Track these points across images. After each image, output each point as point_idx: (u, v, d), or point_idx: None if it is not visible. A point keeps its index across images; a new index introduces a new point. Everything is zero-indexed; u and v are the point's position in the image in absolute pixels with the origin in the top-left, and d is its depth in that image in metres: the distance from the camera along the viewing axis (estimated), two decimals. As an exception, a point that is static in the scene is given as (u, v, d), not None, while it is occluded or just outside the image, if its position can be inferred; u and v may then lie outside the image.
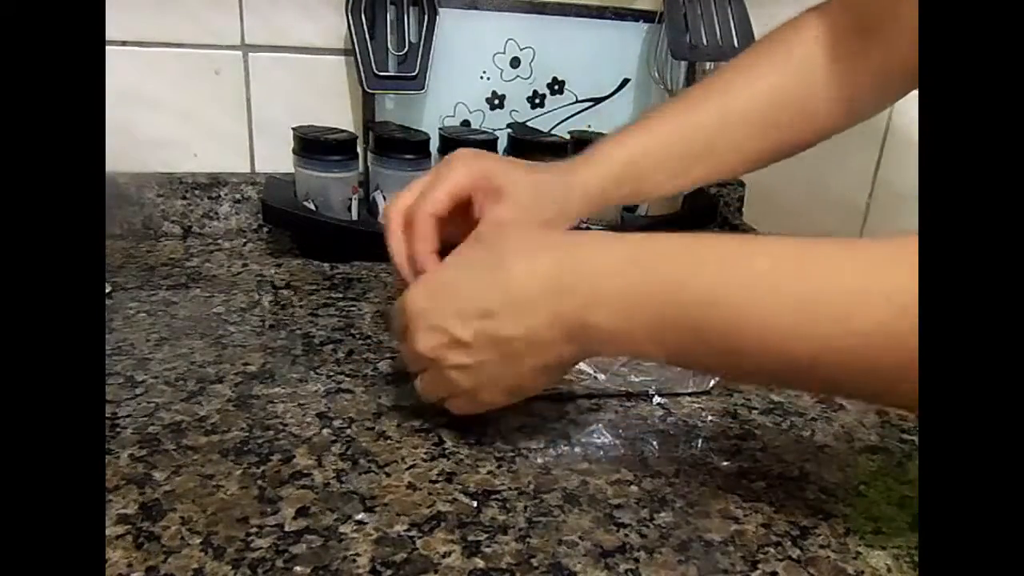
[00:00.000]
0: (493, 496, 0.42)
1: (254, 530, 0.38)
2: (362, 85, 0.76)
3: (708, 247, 0.39)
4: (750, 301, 0.35)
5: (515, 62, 0.86)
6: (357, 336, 0.60)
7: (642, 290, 0.38)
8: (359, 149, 0.77)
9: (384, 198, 0.77)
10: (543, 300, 0.40)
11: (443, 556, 0.37)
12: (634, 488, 0.44)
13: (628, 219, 0.85)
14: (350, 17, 0.75)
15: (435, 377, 0.44)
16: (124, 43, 0.75)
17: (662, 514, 0.42)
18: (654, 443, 0.49)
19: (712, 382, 0.55)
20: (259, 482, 0.42)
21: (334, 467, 0.44)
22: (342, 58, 0.82)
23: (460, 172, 0.49)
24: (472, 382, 0.43)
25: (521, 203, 0.50)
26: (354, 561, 0.37)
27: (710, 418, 0.52)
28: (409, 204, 0.50)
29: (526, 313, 0.40)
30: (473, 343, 0.41)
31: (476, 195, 0.50)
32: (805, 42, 0.55)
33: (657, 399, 0.54)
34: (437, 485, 0.43)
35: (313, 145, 0.74)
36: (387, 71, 0.77)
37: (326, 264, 0.75)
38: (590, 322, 0.39)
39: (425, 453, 0.45)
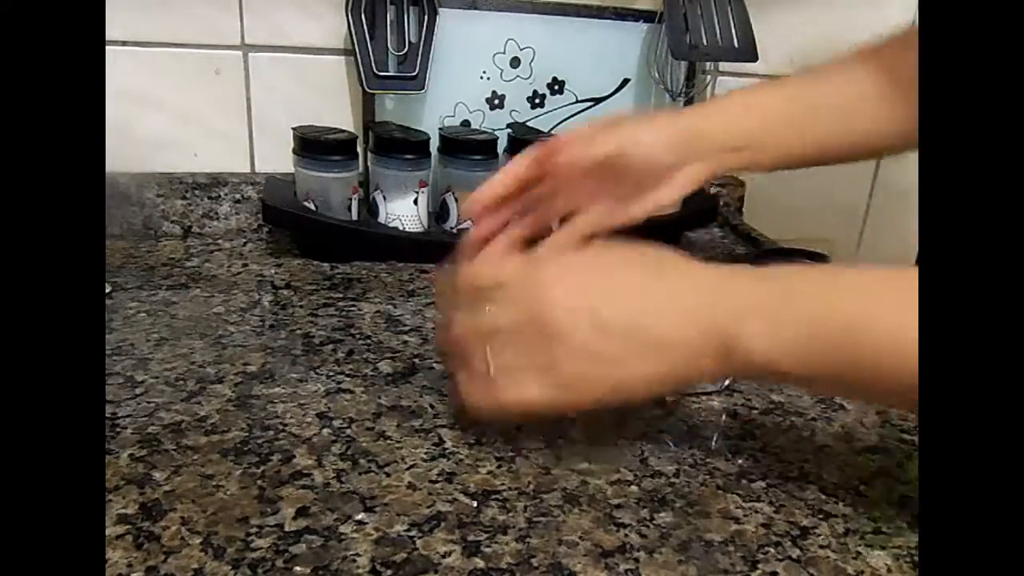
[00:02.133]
0: (493, 496, 0.42)
1: (254, 530, 0.38)
2: (362, 85, 0.76)
3: (849, 275, 0.39)
4: (902, 325, 0.34)
5: (515, 62, 0.86)
6: (357, 336, 0.60)
7: (792, 315, 0.37)
8: (359, 149, 0.77)
9: (384, 198, 0.77)
10: (699, 309, 0.39)
11: (443, 556, 0.37)
12: (634, 488, 0.44)
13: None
14: (350, 17, 0.75)
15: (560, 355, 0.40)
16: (124, 43, 0.75)
17: (662, 514, 0.42)
18: (654, 443, 0.49)
19: (727, 381, 0.55)
20: (259, 482, 0.42)
21: (334, 467, 0.44)
22: (342, 58, 0.82)
23: (606, 142, 0.50)
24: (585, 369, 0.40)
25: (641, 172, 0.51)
26: (354, 561, 0.37)
27: (710, 418, 0.52)
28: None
29: (682, 319, 0.39)
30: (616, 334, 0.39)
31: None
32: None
33: (670, 398, 0.54)
34: (437, 485, 0.43)
35: (313, 145, 0.74)
36: (387, 71, 0.77)
37: (326, 264, 0.75)
38: (741, 338, 0.38)
39: (425, 453, 0.45)
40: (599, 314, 0.39)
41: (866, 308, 0.36)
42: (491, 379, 0.42)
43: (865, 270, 0.39)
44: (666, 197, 0.52)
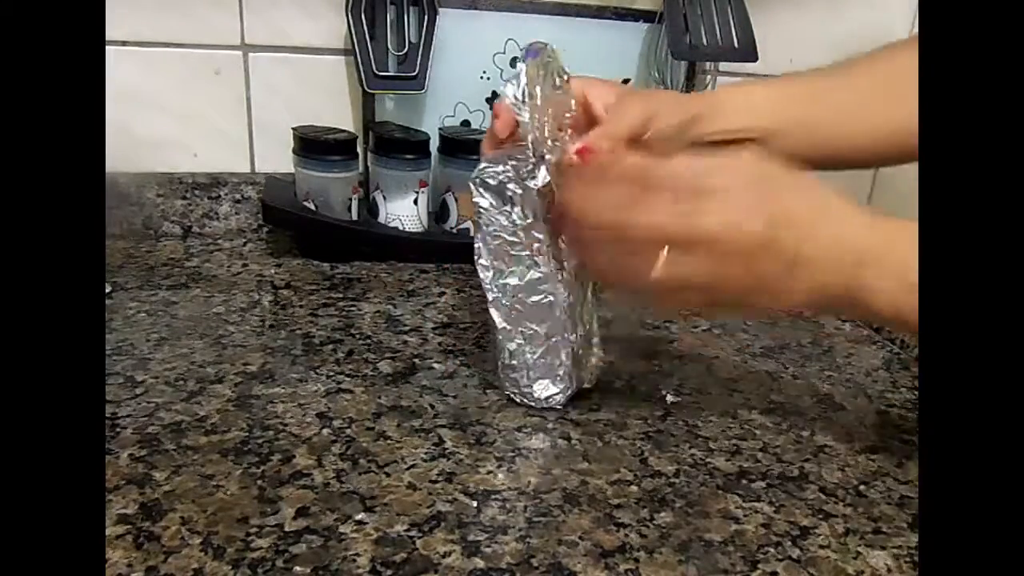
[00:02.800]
0: (493, 496, 0.42)
1: (254, 530, 0.38)
2: (362, 85, 0.76)
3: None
4: None
5: (515, 62, 0.86)
6: (357, 336, 0.60)
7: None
8: (359, 149, 0.77)
9: (384, 198, 0.77)
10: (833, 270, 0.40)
11: (443, 556, 0.37)
12: (634, 488, 0.44)
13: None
14: (350, 17, 0.75)
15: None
16: (124, 43, 0.75)
17: (662, 514, 0.42)
18: (654, 443, 0.49)
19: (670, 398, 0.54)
20: (259, 482, 0.42)
21: (334, 467, 0.44)
22: (342, 58, 0.82)
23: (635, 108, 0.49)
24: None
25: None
26: (354, 561, 0.37)
27: (710, 418, 0.52)
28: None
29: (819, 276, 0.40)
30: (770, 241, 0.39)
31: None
32: None
33: (670, 398, 0.54)
34: (437, 485, 0.43)
35: (313, 145, 0.74)
36: (387, 71, 0.77)
37: (326, 264, 0.75)
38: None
39: (425, 453, 0.45)
40: (770, 247, 0.39)
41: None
42: (658, 283, 0.41)
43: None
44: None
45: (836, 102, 0.54)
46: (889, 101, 0.52)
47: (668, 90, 0.52)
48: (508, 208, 0.47)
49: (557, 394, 0.51)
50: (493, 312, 0.50)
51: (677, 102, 0.52)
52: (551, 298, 0.48)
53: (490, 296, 0.50)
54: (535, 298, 0.48)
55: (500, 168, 0.46)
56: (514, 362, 0.51)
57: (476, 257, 0.49)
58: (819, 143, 0.53)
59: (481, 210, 0.47)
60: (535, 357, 0.50)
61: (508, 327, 0.50)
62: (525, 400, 0.51)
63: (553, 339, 0.49)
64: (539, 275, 0.47)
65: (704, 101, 0.53)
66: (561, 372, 0.50)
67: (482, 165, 0.47)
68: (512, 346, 0.50)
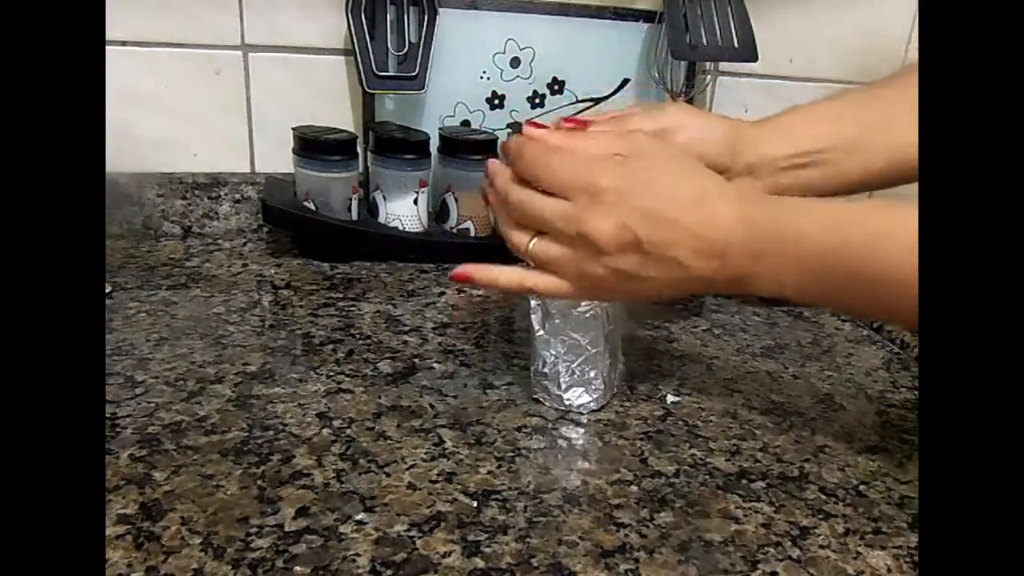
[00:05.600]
0: (493, 496, 0.42)
1: (254, 530, 0.38)
2: (362, 85, 0.76)
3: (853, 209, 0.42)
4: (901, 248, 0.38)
5: (515, 62, 0.86)
6: (357, 336, 0.60)
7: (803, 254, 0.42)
8: (359, 149, 0.77)
9: (384, 198, 0.77)
10: (735, 248, 0.42)
11: (443, 556, 0.37)
12: (634, 488, 0.44)
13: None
14: (350, 17, 0.75)
15: (576, 260, 0.44)
16: (124, 43, 0.75)
17: (662, 514, 0.42)
18: (654, 443, 0.49)
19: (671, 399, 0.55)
20: (259, 482, 0.42)
21: (334, 467, 0.44)
22: (342, 58, 0.82)
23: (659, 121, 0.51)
24: (613, 283, 0.44)
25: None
26: (354, 561, 0.37)
27: (710, 418, 0.52)
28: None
29: (712, 255, 0.42)
30: (648, 251, 0.42)
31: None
32: None
33: (670, 398, 0.54)
34: (437, 485, 0.43)
35: (313, 145, 0.74)
36: (387, 71, 0.77)
37: (326, 264, 0.75)
38: (756, 271, 0.43)
39: (425, 453, 0.45)
40: (637, 235, 0.42)
41: (872, 239, 0.40)
42: (526, 260, 0.46)
43: (867, 204, 0.42)
44: None
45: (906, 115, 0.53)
46: None
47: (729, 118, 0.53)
48: None
49: (590, 402, 0.51)
50: (533, 319, 0.50)
51: (731, 129, 0.53)
52: (597, 310, 0.49)
53: (532, 303, 0.50)
54: (582, 309, 0.49)
55: None
56: (547, 370, 0.51)
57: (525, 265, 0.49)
58: (892, 162, 0.53)
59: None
60: (573, 366, 0.50)
61: (546, 336, 0.50)
62: (555, 405, 0.52)
63: (595, 350, 0.50)
64: None
65: (765, 126, 0.54)
66: (597, 382, 0.51)
67: None
68: (550, 354, 0.51)
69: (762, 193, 0.44)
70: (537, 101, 0.88)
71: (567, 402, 0.51)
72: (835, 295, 0.43)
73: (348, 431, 0.47)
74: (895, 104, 0.53)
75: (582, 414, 0.51)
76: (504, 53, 0.85)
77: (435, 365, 0.56)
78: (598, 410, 0.52)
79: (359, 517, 0.40)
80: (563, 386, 0.51)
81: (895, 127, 0.52)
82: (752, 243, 0.42)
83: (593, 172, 0.43)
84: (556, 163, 0.44)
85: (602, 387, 0.51)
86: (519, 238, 0.45)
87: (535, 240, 0.45)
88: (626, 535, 0.40)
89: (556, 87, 0.88)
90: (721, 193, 0.43)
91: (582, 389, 0.51)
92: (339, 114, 0.83)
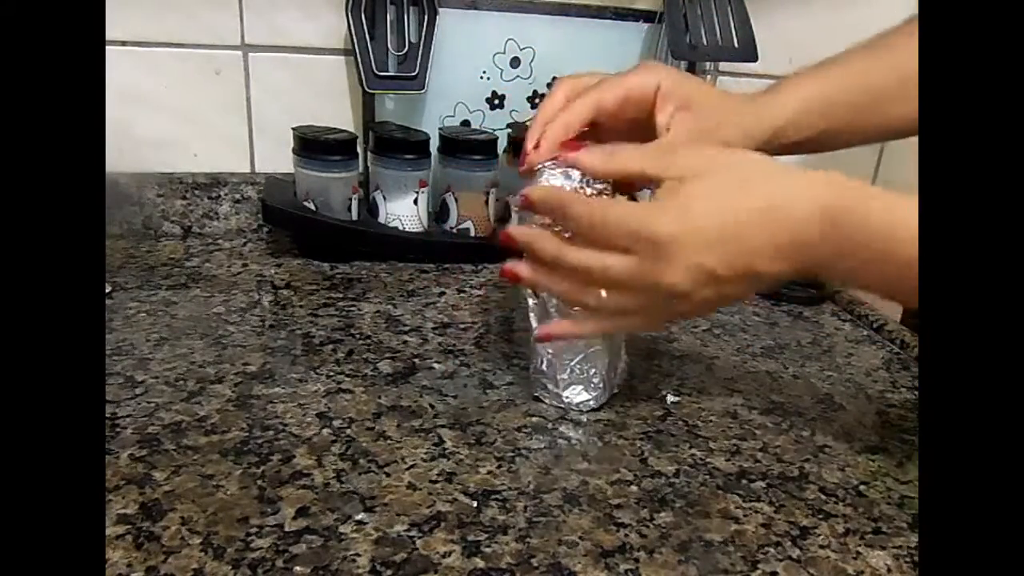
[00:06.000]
0: (493, 496, 0.42)
1: (254, 530, 0.38)
2: (362, 85, 0.76)
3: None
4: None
5: (515, 62, 0.86)
6: (357, 336, 0.60)
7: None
8: (359, 149, 0.77)
9: (384, 198, 0.77)
10: (816, 246, 0.41)
11: (443, 556, 0.37)
12: (634, 488, 0.44)
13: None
14: (350, 17, 0.75)
15: (654, 305, 0.44)
16: (124, 43, 0.75)
17: (662, 514, 0.42)
18: (654, 443, 0.49)
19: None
20: (259, 482, 0.42)
21: (334, 467, 0.44)
22: (342, 58, 0.82)
23: (645, 77, 0.50)
24: (693, 311, 0.45)
25: (707, 119, 0.50)
26: (354, 561, 0.37)
27: (710, 418, 0.52)
28: (585, 84, 0.51)
29: (790, 256, 0.41)
30: (726, 277, 0.42)
31: (663, 101, 0.50)
32: None
33: (670, 398, 0.54)
34: (437, 485, 0.43)
35: (313, 145, 0.74)
36: (387, 71, 0.77)
37: (326, 264, 0.75)
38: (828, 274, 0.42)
39: (425, 453, 0.45)
40: (715, 275, 0.41)
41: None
42: (598, 311, 0.45)
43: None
44: None
45: (883, 86, 0.53)
46: None
47: (736, 104, 0.51)
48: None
49: (590, 400, 0.51)
50: (532, 317, 0.50)
51: (737, 139, 0.51)
52: None
53: (531, 302, 0.50)
54: (579, 308, 0.48)
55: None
56: (545, 368, 0.51)
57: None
58: (872, 127, 0.54)
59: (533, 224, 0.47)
60: (572, 364, 0.50)
61: None
62: (554, 403, 0.52)
63: (592, 349, 0.50)
64: None
65: (768, 123, 0.53)
66: (596, 380, 0.51)
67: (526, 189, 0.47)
68: (548, 352, 0.51)
69: (844, 180, 0.42)
70: (537, 101, 0.88)
71: (566, 399, 0.51)
72: (906, 293, 0.40)
73: (348, 431, 0.47)
74: (888, 77, 0.53)
75: (582, 412, 0.51)
76: (504, 53, 0.85)
77: (435, 365, 0.56)
78: (598, 408, 0.52)
79: (359, 517, 0.40)
80: (562, 384, 0.51)
81: (887, 105, 0.53)
82: (835, 243, 0.40)
83: (650, 221, 0.41)
84: (612, 218, 0.42)
85: (602, 385, 0.51)
86: (588, 296, 0.45)
87: (606, 294, 0.44)
88: (626, 535, 0.40)
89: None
90: (793, 192, 0.42)
91: (581, 387, 0.51)
92: (339, 114, 0.83)
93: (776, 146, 0.52)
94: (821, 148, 0.54)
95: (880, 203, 0.40)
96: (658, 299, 0.43)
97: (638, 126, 0.51)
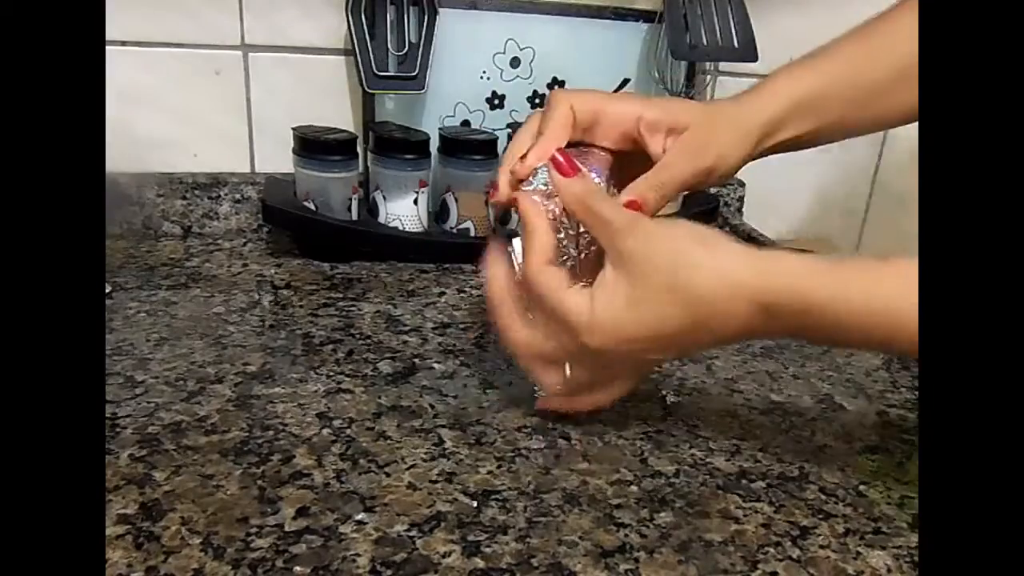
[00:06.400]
0: (493, 496, 0.42)
1: (254, 530, 0.38)
2: (362, 85, 0.76)
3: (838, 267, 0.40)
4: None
5: (515, 62, 0.86)
6: (357, 336, 0.60)
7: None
8: (359, 149, 0.77)
9: (384, 198, 0.77)
10: (759, 330, 0.42)
11: (443, 556, 0.37)
12: (634, 488, 0.44)
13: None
14: (350, 17, 0.75)
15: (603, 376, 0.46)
16: (124, 43, 0.75)
17: (662, 514, 0.42)
18: (654, 443, 0.49)
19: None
20: (259, 482, 0.42)
21: (334, 467, 0.44)
22: (342, 58, 0.82)
23: (624, 109, 0.50)
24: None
25: (700, 136, 0.49)
26: (354, 561, 0.37)
27: (710, 418, 0.52)
28: (559, 120, 0.49)
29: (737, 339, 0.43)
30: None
31: (651, 132, 0.49)
32: None
33: (670, 399, 0.54)
34: (437, 485, 0.43)
35: (313, 145, 0.74)
36: (387, 71, 0.77)
37: (326, 264, 0.75)
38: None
39: (425, 453, 0.45)
40: (670, 346, 0.43)
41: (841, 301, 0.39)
42: (567, 391, 0.47)
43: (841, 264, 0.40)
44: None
45: (876, 79, 0.53)
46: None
47: (723, 109, 0.52)
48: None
49: None
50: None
51: (734, 143, 0.51)
52: None
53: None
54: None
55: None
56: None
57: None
58: (866, 120, 0.54)
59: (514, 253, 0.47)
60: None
61: None
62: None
63: None
64: None
65: (760, 119, 0.52)
66: None
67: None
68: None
69: (772, 267, 0.41)
70: (537, 101, 0.88)
71: None
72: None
73: (348, 431, 0.47)
74: (880, 69, 0.53)
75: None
76: (504, 53, 0.85)
77: (435, 365, 0.56)
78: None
79: (359, 517, 0.40)
80: None
81: (880, 98, 0.52)
82: (781, 330, 0.42)
83: (581, 332, 0.42)
84: (551, 311, 0.44)
85: None
86: (552, 377, 0.46)
87: (571, 372, 0.46)
88: (626, 535, 0.40)
89: (556, 87, 0.88)
90: (721, 299, 0.41)
91: None
92: (339, 114, 0.83)
93: (771, 145, 0.52)
94: (816, 143, 0.53)
95: (816, 287, 0.39)
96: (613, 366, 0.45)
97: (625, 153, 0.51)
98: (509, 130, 0.86)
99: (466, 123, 0.87)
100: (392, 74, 0.77)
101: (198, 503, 0.40)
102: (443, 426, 0.48)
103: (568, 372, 0.45)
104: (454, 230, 0.80)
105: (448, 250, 0.78)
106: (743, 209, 0.98)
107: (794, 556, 0.40)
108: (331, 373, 0.54)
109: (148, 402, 0.49)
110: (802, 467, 0.48)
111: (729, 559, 0.39)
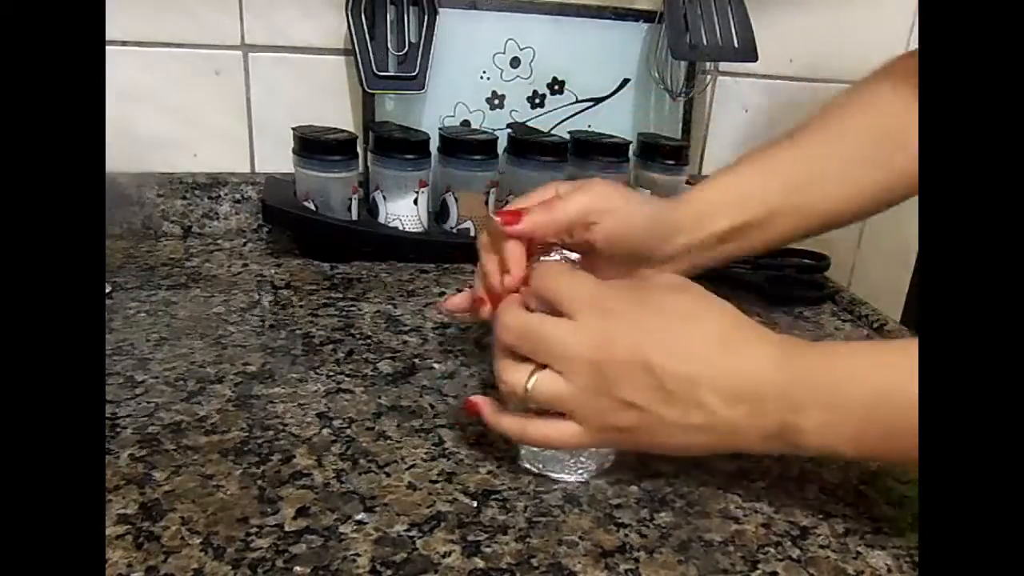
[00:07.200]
0: (493, 496, 0.42)
1: (254, 530, 0.38)
2: (362, 85, 0.76)
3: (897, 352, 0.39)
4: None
5: (515, 62, 0.86)
6: (357, 336, 0.60)
7: (849, 402, 0.37)
8: (359, 149, 0.77)
9: (384, 198, 0.77)
10: (771, 394, 0.38)
11: (443, 556, 0.37)
12: (634, 488, 0.44)
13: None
14: (350, 17, 0.75)
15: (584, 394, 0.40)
16: (124, 43, 0.75)
17: (662, 514, 0.42)
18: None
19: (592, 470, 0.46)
20: (259, 482, 0.42)
21: (334, 467, 0.44)
22: (342, 58, 0.82)
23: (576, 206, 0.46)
24: (631, 424, 0.40)
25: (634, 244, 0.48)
26: (354, 561, 0.37)
27: (710, 418, 0.52)
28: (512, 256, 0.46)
29: (740, 399, 0.38)
30: (665, 383, 0.39)
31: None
32: (898, 83, 0.53)
33: None
34: (437, 485, 0.43)
35: (313, 145, 0.74)
36: (387, 71, 0.77)
37: (326, 264, 0.75)
38: (798, 425, 0.38)
39: (425, 453, 0.45)
40: (664, 386, 0.38)
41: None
42: (520, 401, 0.41)
43: (910, 343, 0.37)
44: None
45: (824, 172, 0.53)
46: (878, 162, 0.53)
47: (651, 198, 0.52)
48: None
49: (574, 479, 0.45)
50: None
51: (652, 219, 0.49)
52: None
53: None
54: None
55: None
56: (522, 450, 0.45)
57: None
58: (812, 218, 0.54)
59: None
60: (551, 452, 0.44)
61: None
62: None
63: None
64: None
65: (685, 211, 0.51)
66: (575, 463, 0.45)
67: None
68: (523, 448, 0.45)
69: (799, 341, 0.40)
70: (537, 101, 0.88)
71: (555, 477, 0.45)
72: (897, 445, 0.37)
73: (348, 431, 0.47)
74: (817, 162, 0.53)
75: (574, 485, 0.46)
76: (504, 53, 0.85)
77: (435, 365, 0.56)
78: (587, 481, 0.46)
79: (359, 517, 0.40)
80: (548, 468, 0.45)
81: (817, 187, 0.53)
82: (792, 391, 0.38)
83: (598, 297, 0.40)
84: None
85: (588, 465, 0.45)
86: (515, 376, 0.41)
87: (536, 376, 0.40)
88: (626, 535, 0.40)
89: (556, 87, 0.88)
90: (756, 332, 0.40)
91: (564, 474, 0.44)
92: (339, 114, 0.83)
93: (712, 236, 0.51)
94: (756, 247, 0.53)
95: (841, 346, 0.40)
96: (592, 386, 0.40)
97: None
98: (509, 130, 0.86)
99: (466, 123, 0.87)
100: (392, 74, 0.77)
101: (198, 503, 0.40)
102: (443, 426, 0.48)
103: (531, 383, 0.40)
104: (454, 230, 0.80)
105: (448, 250, 0.78)
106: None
107: (794, 556, 0.40)
108: (331, 373, 0.54)
109: (148, 402, 0.49)
110: (802, 467, 0.48)
111: (729, 559, 0.39)
